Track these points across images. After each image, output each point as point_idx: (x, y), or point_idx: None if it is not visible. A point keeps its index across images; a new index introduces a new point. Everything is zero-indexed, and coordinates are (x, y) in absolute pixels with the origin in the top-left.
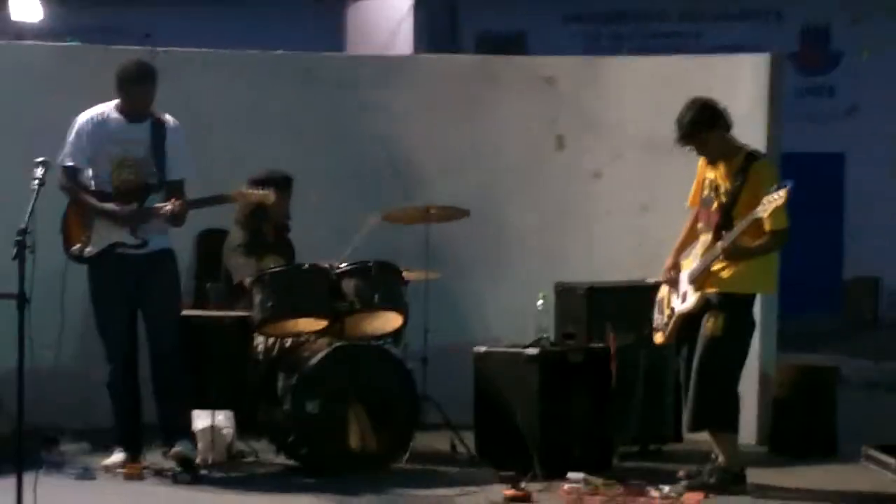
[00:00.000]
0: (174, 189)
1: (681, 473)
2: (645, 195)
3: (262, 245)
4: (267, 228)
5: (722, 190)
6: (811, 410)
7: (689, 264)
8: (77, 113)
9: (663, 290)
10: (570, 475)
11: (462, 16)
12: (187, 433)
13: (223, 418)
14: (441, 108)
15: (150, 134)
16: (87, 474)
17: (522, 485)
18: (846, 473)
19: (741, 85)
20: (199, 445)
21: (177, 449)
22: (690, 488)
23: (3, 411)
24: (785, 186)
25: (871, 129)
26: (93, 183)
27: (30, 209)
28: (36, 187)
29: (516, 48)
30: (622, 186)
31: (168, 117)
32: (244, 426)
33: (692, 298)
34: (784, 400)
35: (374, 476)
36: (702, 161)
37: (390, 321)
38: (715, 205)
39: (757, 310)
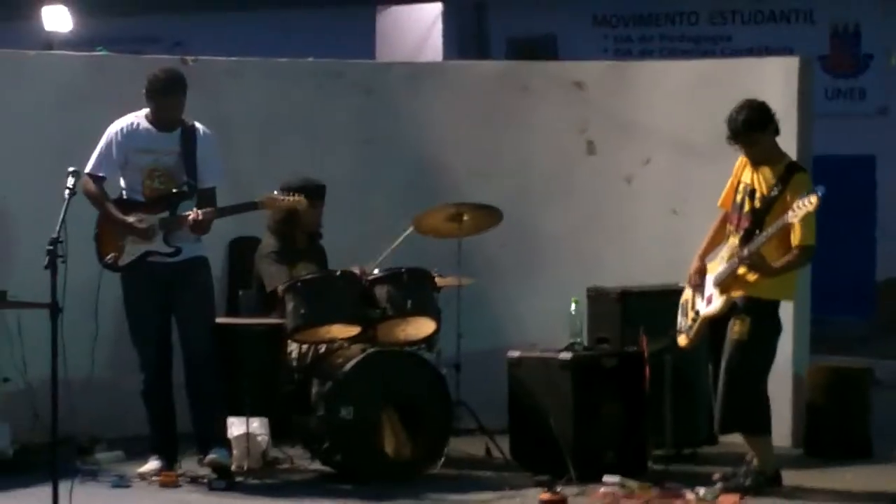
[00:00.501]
0: (206, 197)
1: (716, 476)
2: (676, 199)
3: (294, 252)
4: (299, 236)
5: (757, 195)
6: (845, 413)
7: (715, 267)
8: (107, 122)
9: (687, 293)
10: (606, 478)
11: (492, 20)
12: (222, 440)
13: (258, 425)
14: (471, 114)
15: (181, 142)
16: (122, 482)
17: (558, 489)
18: (881, 475)
19: (771, 88)
20: (234, 452)
21: (212, 456)
22: (726, 491)
23: (38, 421)
24: (816, 193)
25: None
26: (124, 192)
27: (61, 218)
28: (67, 197)
29: (546, 52)
30: (653, 191)
31: (199, 125)
32: (278, 433)
33: (718, 301)
34: (818, 402)
35: (409, 482)
36: (738, 164)
37: (423, 327)
38: (747, 208)
39: (789, 313)
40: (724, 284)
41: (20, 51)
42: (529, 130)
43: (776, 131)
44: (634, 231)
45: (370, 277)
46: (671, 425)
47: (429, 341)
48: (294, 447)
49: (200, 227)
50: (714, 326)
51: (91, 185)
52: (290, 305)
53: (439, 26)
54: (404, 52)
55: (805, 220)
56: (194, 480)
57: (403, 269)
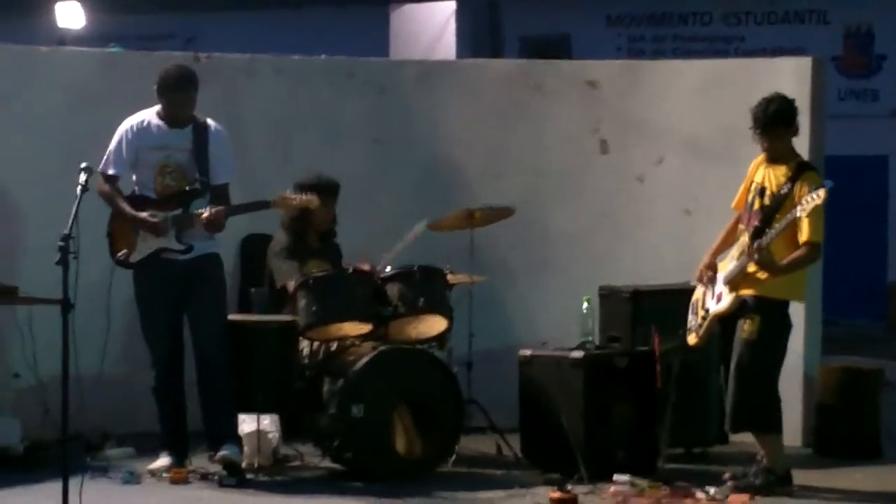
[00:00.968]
0: (218, 193)
1: (726, 475)
2: (688, 199)
3: (306, 250)
4: (311, 234)
5: (767, 193)
6: (855, 413)
7: (726, 266)
8: (120, 119)
9: (698, 292)
10: (616, 477)
11: (505, 19)
12: (233, 437)
13: (269, 422)
14: (484, 113)
15: (192, 139)
16: (132, 479)
17: (568, 487)
18: (890, 475)
19: (784, 88)
20: (245, 450)
21: (223, 453)
22: (736, 490)
23: (49, 417)
24: (825, 186)
25: None
26: (136, 189)
27: (73, 215)
28: (79, 193)
29: (560, 51)
30: (665, 190)
31: (210, 122)
32: (289, 430)
33: (727, 299)
34: (828, 403)
35: (420, 479)
36: (753, 165)
37: (435, 325)
38: (757, 206)
39: (801, 313)
40: (733, 282)
41: (33, 47)
42: (542, 129)
43: (796, 132)
44: (647, 230)
45: (382, 275)
46: (682, 424)
47: (440, 339)
48: (305, 445)
49: (214, 226)
50: (725, 325)
51: (104, 184)
52: (301, 303)
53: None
54: (417, 50)
55: (812, 216)
56: (205, 477)
57: (415, 267)
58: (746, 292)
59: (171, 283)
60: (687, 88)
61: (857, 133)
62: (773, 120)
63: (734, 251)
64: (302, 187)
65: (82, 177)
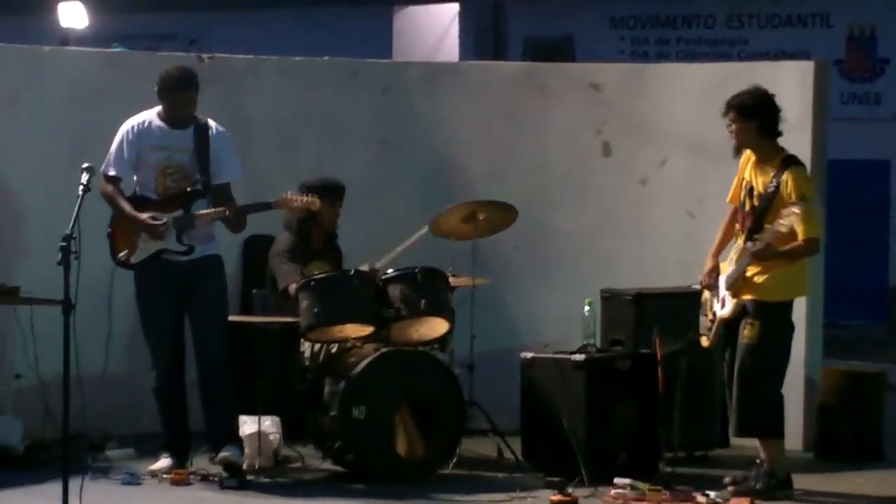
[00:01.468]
0: (220, 193)
1: (727, 479)
2: (691, 201)
3: (309, 251)
4: (316, 235)
5: (755, 193)
6: (857, 416)
7: (727, 268)
8: (123, 119)
9: (706, 294)
10: (617, 480)
11: (508, 20)
12: (234, 439)
13: (270, 424)
14: (487, 114)
15: (194, 140)
16: (133, 480)
17: (569, 490)
18: (892, 479)
19: (787, 91)
20: (246, 451)
21: (224, 454)
22: (737, 494)
23: (50, 417)
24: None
25: None
26: (138, 189)
27: (75, 215)
28: (81, 193)
29: (563, 53)
30: (668, 193)
31: (212, 122)
32: (291, 432)
33: (729, 305)
34: (830, 406)
35: (421, 482)
36: (742, 159)
37: (436, 327)
38: (748, 207)
39: (802, 316)
40: (734, 287)
41: (36, 46)
42: (546, 131)
43: (769, 130)
44: (649, 233)
45: (384, 277)
46: (684, 427)
47: (442, 341)
48: (306, 446)
49: (237, 225)
50: (728, 329)
51: (106, 185)
52: (303, 304)
53: (456, 27)
54: (421, 51)
55: (803, 216)
56: (205, 479)
57: (417, 269)
58: (747, 297)
59: (172, 285)
60: (690, 91)
61: (859, 137)
62: (733, 106)
63: (732, 254)
64: (307, 188)
65: (84, 177)
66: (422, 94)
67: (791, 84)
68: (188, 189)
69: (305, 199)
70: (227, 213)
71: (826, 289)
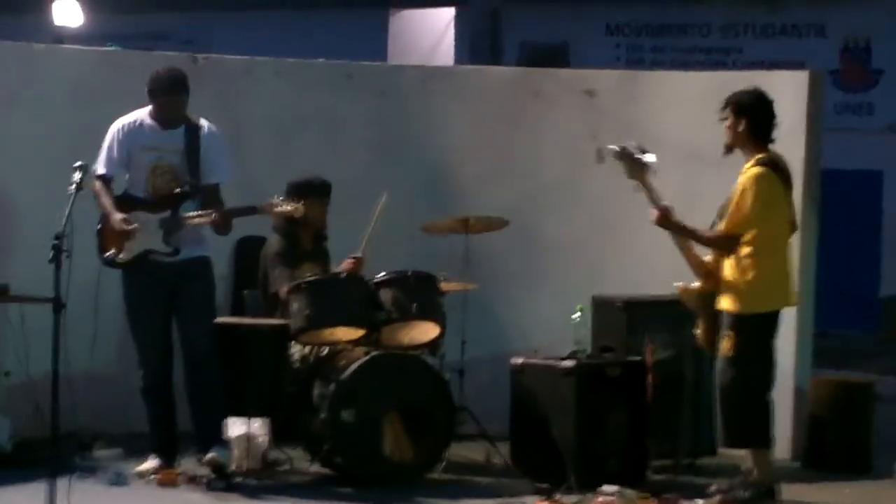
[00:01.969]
0: (209, 194)
1: (713, 488)
2: (684, 209)
3: (300, 253)
4: (305, 236)
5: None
6: (846, 426)
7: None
8: (117, 118)
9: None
10: (605, 487)
11: (505, 26)
12: (222, 441)
13: (258, 426)
14: (482, 118)
15: (184, 140)
16: (120, 480)
17: (557, 496)
18: (880, 490)
19: (781, 101)
20: (234, 453)
21: (211, 455)
22: (723, 502)
23: (39, 416)
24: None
25: None
26: (128, 188)
27: (67, 213)
28: (73, 191)
29: (559, 58)
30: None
31: (204, 121)
32: (280, 434)
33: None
34: (819, 416)
35: (409, 486)
36: None
37: (427, 331)
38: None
39: (793, 325)
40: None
41: (30, 44)
42: (540, 137)
43: (758, 132)
44: (642, 240)
45: (376, 280)
46: (671, 436)
47: (433, 346)
48: (295, 449)
49: (223, 229)
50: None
51: (97, 185)
52: (294, 306)
53: (452, 30)
54: (416, 55)
55: (732, 210)
56: (193, 480)
57: (409, 273)
58: (723, 307)
59: (160, 285)
60: (685, 99)
61: (852, 147)
62: (731, 102)
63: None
64: (294, 186)
65: (77, 175)
66: (417, 98)
67: (786, 93)
68: (177, 190)
69: (289, 206)
70: (214, 216)
71: (817, 298)
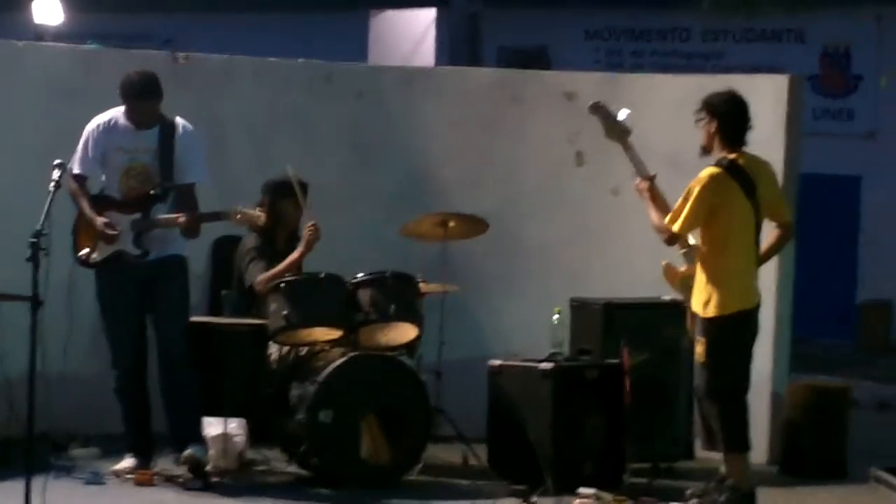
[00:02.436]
0: (183, 193)
1: (689, 492)
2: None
3: (275, 253)
4: (279, 235)
5: None
6: (822, 431)
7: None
8: (96, 116)
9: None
10: (581, 490)
11: (485, 29)
12: (198, 440)
13: (235, 426)
14: (462, 121)
15: (158, 140)
16: (96, 479)
17: (534, 499)
18: (855, 495)
19: (760, 106)
20: (211, 452)
21: (188, 451)
22: None
23: (14, 415)
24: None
25: (888, 153)
26: (103, 188)
27: (45, 211)
28: (52, 190)
29: (539, 62)
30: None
31: (179, 121)
32: (257, 434)
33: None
34: (796, 420)
35: (386, 487)
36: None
37: (405, 333)
38: None
39: (770, 330)
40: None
41: (9, 41)
42: (519, 139)
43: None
44: (621, 243)
45: (354, 281)
46: (648, 439)
47: (410, 347)
48: (272, 449)
49: (190, 232)
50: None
51: (72, 183)
52: (272, 307)
53: (432, 33)
54: (397, 56)
55: (676, 208)
56: (169, 479)
57: (388, 274)
58: (694, 310)
59: (132, 285)
60: (664, 102)
61: (831, 152)
62: (704, 102)
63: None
64: (271, 186)
65: (55, 173)
66: (396, 99)
67: (765, 98)
68: (151, 192)
69: (251, 213)
70: (181, 220)
71: (794, 303)
